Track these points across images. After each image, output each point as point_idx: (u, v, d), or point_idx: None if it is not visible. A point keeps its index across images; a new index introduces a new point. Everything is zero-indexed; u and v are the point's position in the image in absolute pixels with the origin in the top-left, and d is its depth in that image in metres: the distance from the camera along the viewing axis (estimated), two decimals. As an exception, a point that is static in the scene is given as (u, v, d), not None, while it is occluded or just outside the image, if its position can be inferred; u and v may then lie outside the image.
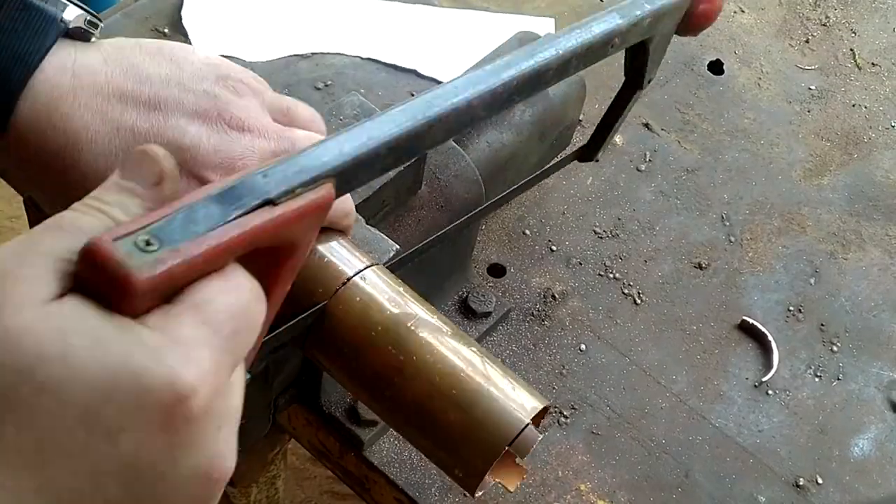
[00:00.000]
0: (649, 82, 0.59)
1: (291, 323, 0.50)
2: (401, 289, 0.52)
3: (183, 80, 0.50)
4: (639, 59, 0.57)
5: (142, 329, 0.32)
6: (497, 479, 0.50)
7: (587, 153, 0.64)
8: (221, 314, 0.33)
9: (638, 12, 0.51)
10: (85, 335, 0.31)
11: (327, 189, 0.37)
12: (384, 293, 0.51)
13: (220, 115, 0.49)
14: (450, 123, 0.43)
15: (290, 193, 0.35)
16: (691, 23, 0.56)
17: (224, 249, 0.33)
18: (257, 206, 0.34)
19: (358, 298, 0.51)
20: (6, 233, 1.74)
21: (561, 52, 0.48)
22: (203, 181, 0.48)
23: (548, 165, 0.64)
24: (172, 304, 0.33)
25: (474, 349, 0.51)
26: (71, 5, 0.49)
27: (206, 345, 0.33)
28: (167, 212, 0.32)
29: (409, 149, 0.42)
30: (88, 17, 0.50)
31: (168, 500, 0.34)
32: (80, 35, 0.49)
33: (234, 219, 0.33)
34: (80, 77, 0.48)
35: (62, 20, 0.48)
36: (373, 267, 0.52)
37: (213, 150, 0.49)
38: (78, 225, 0.33)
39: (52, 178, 0.49)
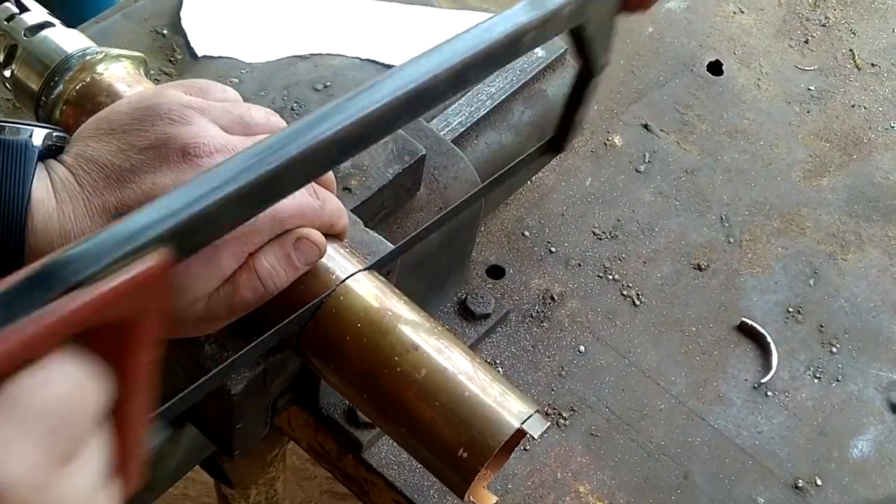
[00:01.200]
0: (604, 67, 0.54)
1: (280, 326, 0.50)
2: (393, 293, 0.52)
3: (133, 142, 0.50)
4: (580, 45, 0.51)
5: None
6: (472, 498, 0.50)
7: (555, 144, 0.59)
8: (33, 411, 0.32)
9: (554, 2, 0.45)
10: None
11: (158, 258, 0.33)
12: (376, 297, 0.52)
13: (183, 152, 0.50)
14: (309, 160, 0.38)
15: (105, 271, 0.32)
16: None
17: (30, 342, 0.31)
18: (66, 291, 0.31)
19: (350, 302, 0.51)
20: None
21: (454, 61, 0.42)
22: None
23: (518, 159, 0.59)
24: None
25: (465, 354, 0.51)
26: (36, 129, 0.50)
27: (18, 443, 0.31)
28: None
29: (263, 195, 0.37)
30: (55, 134, 0.51)
31: None
32: (50, 152, 0.51)
33: (40, 306, 0.31)
34: (59, 192, 0.50)
35: (34, 146, 0.50)
36: (365, 271, 0.53)
37: None
38: None
39: None
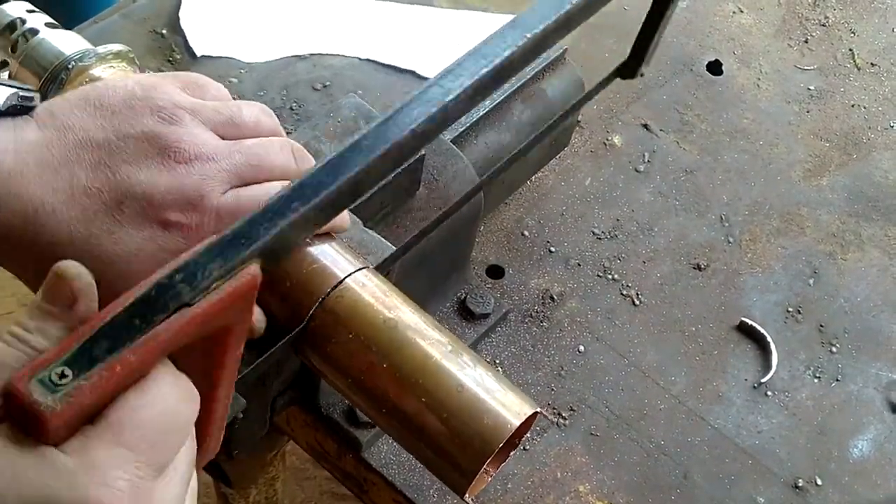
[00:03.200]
0: None
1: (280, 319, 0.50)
2: (393, 292, 0.52)
3: (117, 125, 0.49)
4: None
5: (59, 456, 0.34)
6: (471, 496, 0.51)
7: (628, 70, 0.56)
8: (137, 431, 0.35)
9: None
10: (5, 468, 0.33)
11: (252, 272, 0.36)
12: (376, 296, 0.51)
13: (162, 152, 0.49)
14: (377, 172, 0.40)
15: (208, 290, 0.34)
16: None
17: (139, 362, 0.34)
18: (173, 312, 0.34)
19: (349, 301, 0.51)
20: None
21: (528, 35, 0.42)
22: (168, 224, 0.48)
23: (586, 93, 0.58)
24: (92, 426, 0.34)
25: (466, 352, 0.51)
26: (1, 87, 0.49)
27: (121, 465, 0.34)
28: (83, 334, 0.33)
29: (337, 204, 0.40)
30: (21, 94, 0.50)
31: None
32: (16, 112, 0.49)
33: (149, 328, 0.33)
34: (23, 154, 0.48)
35: None
36: (364, 270, 0.52)
37: (165, 191, 0.49)
38: (2, 360, 0.35)
39: (23, 252, 0.49)
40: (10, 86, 0.49)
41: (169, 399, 0.36)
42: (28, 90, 0.50)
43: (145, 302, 0.34)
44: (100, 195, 0.48)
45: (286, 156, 0.53)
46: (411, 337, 0.50)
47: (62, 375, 0.33)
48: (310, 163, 0.55)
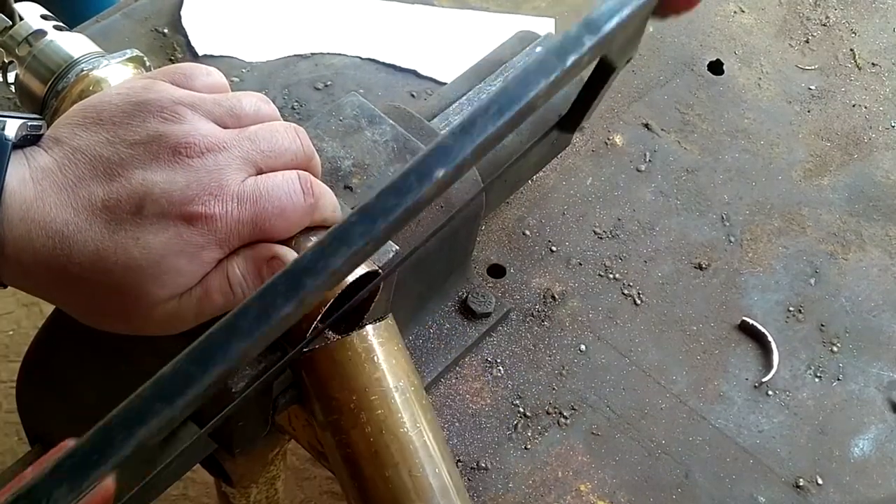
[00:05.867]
0: (628, 62, 0.49)
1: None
2: (390, 355, 0.54)
3: (122, 135, 0.49)
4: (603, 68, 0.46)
5: None
6: None
7: (568, 123, 0.54)
8: None
9: (572, 56, 0.37)
10: None
11: (104, 488, 0.31)
12: (369, 353, 0.54)
13: (174, 151, 0.49)
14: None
15: None
16: (669, 5, 0.46)
17: None
18: None
19: (345, 353, 0.53)
20: None
21: (455, 163, 0.34)
22: (192, 218, 0.48)
23: (532, 142, 0.57)
24: None
25: (435, 439, 0.53)
26: (9, 119, 0.48)
27: None
28: None
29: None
30: (30, 123, 0.49)
31: None
32: (26, 142, 0.49)
33: None
34: (40, 182, 0.48)
35: (7, 139, 0.48)
36: (372, 324, 0.54)
37: (185, 186, 0.49)
38: None
39: (57, 280, 0.49)
40: (16, 117, 0.49)
41: None
42: (34, 118, 0.50)
43: None
44: (119, 204, 0.48)
45: (291, 136, 0.54)
46: (388, 404, 0.52)
47: None
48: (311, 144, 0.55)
